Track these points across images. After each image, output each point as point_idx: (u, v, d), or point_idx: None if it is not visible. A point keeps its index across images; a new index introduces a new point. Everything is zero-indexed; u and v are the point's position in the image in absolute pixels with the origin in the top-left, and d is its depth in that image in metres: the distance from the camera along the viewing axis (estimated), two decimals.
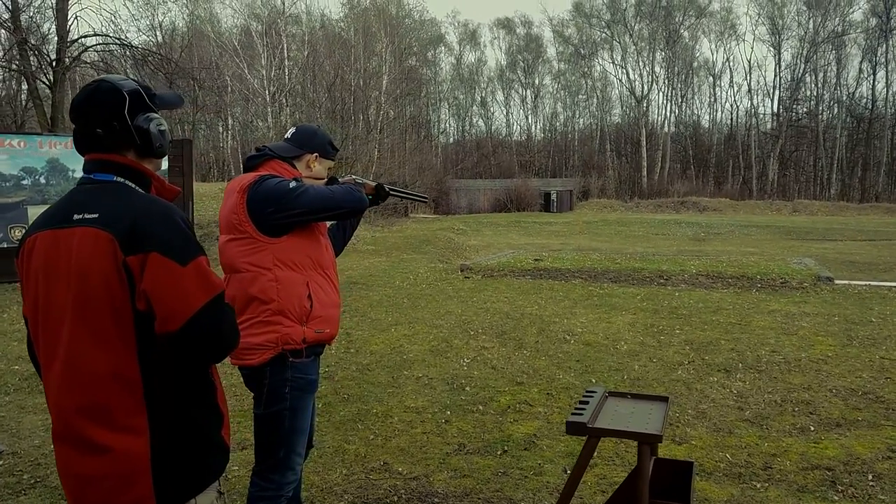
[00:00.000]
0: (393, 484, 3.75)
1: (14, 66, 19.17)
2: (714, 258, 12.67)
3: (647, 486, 2.00)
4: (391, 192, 2.91)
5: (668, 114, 52.60)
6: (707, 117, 54.38)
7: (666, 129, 51.61)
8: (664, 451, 3.93)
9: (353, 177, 2.81)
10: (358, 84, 29.99)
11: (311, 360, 2.52)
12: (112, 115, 1.63)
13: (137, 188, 1.66)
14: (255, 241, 2.40)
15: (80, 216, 1.58)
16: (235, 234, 2.43)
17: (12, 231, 10.88)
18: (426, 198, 3.31)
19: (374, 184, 2.83)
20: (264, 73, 35.05)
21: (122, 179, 1.65)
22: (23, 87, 23.28)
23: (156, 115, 1.71)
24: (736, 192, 43.47)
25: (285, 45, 35.93)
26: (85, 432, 1.56)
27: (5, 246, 10.81)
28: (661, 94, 52.19)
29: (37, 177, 11.16)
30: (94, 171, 1.66)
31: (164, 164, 12.57)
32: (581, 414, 2.22)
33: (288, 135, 2.69)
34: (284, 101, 35.07)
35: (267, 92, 34.91)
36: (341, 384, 5.43)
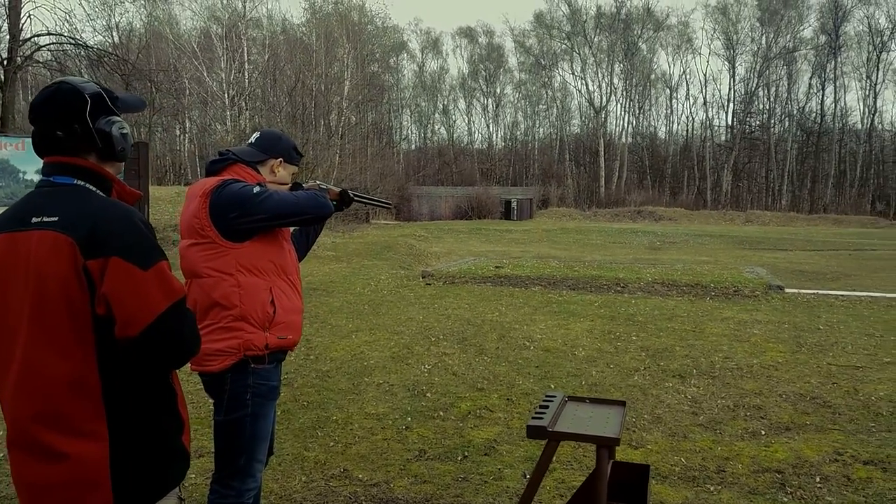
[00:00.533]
0: (353, 491, 3.74)
1: None
2: (669, 267, 12.94)
3: (605, 488, 2.05)
4: (355, 198, 2.90)
5: (625, 125, 53.60)
6: (664, 129, 55.56)
7: (624, 139, 52.54)
8: (621, 455, 4.01)
9: (318, 182, 2.79)
10: (319, 89, 29.83)
11: (273, 366, 2.49)
12: (73, 117, 1.61)
13: (98, 191, 1.63)
14: (217, 245, 2.37)
15: (39, 219, 1.55)
16: (197, 239, 2.39)
17: None
18: (389, 204, 3.32)
19: (338, 189, 2.82)
20: (224, 76, 34.62)
21: (82, 182, 1.62)
22: None
23: (118, 118, 1.69)
24: (691, 202, 44.43)
25: (245, 49, 35.55)
26: (41, 438, 1.53)
27: None
28: (619, 105, 53.14)
29: None
30: (54, 173, 1.64)
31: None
32: (541, 418, 2.26)
33: (252, 139, 2.65)
34: (244, 104, 34.67)
35: (226, 95, 34.48)
36: (301, 391, 5.39)
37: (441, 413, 4.95)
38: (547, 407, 2.38)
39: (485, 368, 6.06)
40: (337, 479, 3.89)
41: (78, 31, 35.18)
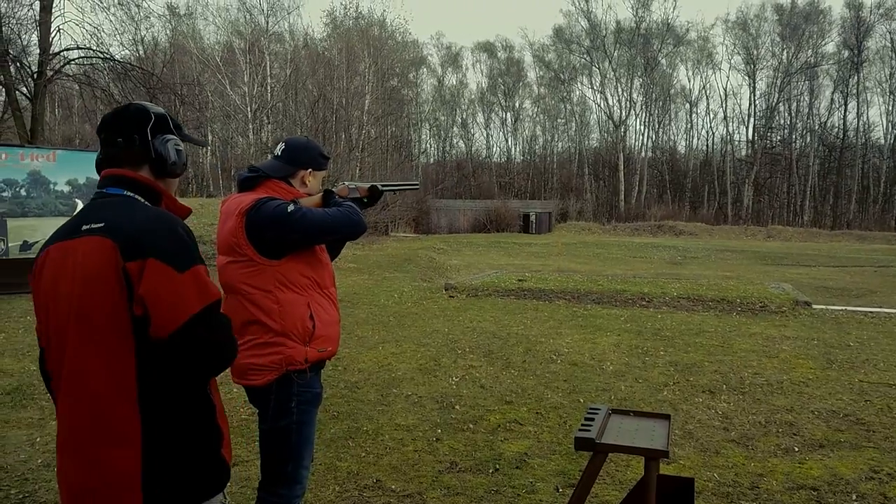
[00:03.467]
0: (387, 501, 3.75)
1: None
2: (694, 281, 12.86)
3: (654, 499, 2.06)
4: (384, 189, 2.93)
5: (645, 139, 53.46)
6: (683, 143, 55.34)
7: (643, 154, 52.39)
8: None
9: (347, 183, 2.83)
10: (340, 103, 30.10)
11: (315, 374, 2.55)
12: (135, 129, 1.71)
13: (146, 202, 1.69)
14: (255, 263, 2.41)
15: (88, 226, 1.62)
16: (235, 257, 2.44)
17: None
18: (417, 184, 3.35)
19: (367, 186, 2.86)
20: (246, 90, 35.07)
21: (131, 194, 1.69)
22: (0, 98, 23.07)
23: (174, 137, 1.78)
24: (711, 216, 44.14)
25: (268, 63, 36.02)
26: (84, 442, 1.58)
27: None
28: (638, 119, 53.06)
29: (17, 189, 11.04)
30: (107, 185, 1.72)
31: None
32: (589, 430, 2.27)
33: (278, 151, 2.65)
34: (266, 118, 35.07)
35: (248, 109, 34.91)
36: (330, 402, 5.42)
37: (471, 426, 4.95)
38: (592, 419, 2.39)
39: (512, 381, 6.05)
40: (370, 489, 3.90)
41: (105, 46, 35.81)
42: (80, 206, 11.75)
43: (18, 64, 17.17)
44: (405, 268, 15.28)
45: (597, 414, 2.45)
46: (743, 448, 4.56)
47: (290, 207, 2.40)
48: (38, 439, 4.60)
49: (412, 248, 19.12)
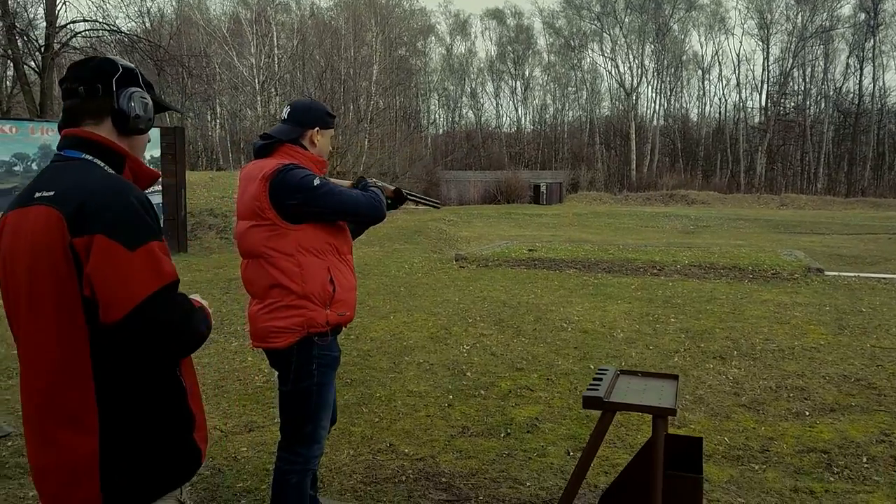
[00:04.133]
0: (400, 464, 3.81)
1: (0, 51, 18.99)
2: (705, 250, 12.82)
3: (661, 458, 2.08)
4: (408, 197, 2.96)
5: (657, 107, 52.86)
6: (696, 111, 54.73)
7: (655, 122, 51.86)
8: None
9: (374, 180, 2.85)
10: (348, 73, 29.91)
11: (333, 338, 2.61)
12: (99, 78, 1.56)
13: (105, 167, 1.55)
14: (277, 227, 2.46)
15: (41, 194, 1.49)
16: (258, 221, 2.48)
17: None
18: (439, 203, 3.33)
19: (392, 188, 2.89)
20: (253, 61, 34.89)
21: (90, 157, 1.55)
22: (8, 72, 23.10)
23: (141, 90, 1.62)
24: (724, 185, 43.79)
25: (275, 34, 35.77)
26: (38, 420, 1.50)
27: None
28: (650, 87, 52.43)
29: (28, 163, 11.08)
30: (66, 147, 1.58)
31: (157, 151, 12.53)
32: (597, 389, 2.29)
33: (284, 115, 2.69)
34: (274, 90, 34.93)
35: (256, 81, 34.76)
36: (344, 369, 5.47)
37: (482, 392, 5.00)
38: (601, 379, 2.41)
39: (523, 349, 6.09)
40: (383, 453, 3.96)
41: (112, 18, 35.65)
42: None
43: (25, 38, 17.15)
44: (415, 239, 15.29)
45: (605, 374, 2.47)
46: (753, 412, 4.58)
47: (317, 181, 2.44)
48: None
49: (422, 220, 19.09)
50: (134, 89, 1.59)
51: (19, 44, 17.03)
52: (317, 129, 2.65)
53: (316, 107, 2.71)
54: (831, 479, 3.63)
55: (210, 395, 4.85)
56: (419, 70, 49.44)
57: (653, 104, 53.06)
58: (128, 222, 1.43)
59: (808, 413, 4.54)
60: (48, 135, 11.34)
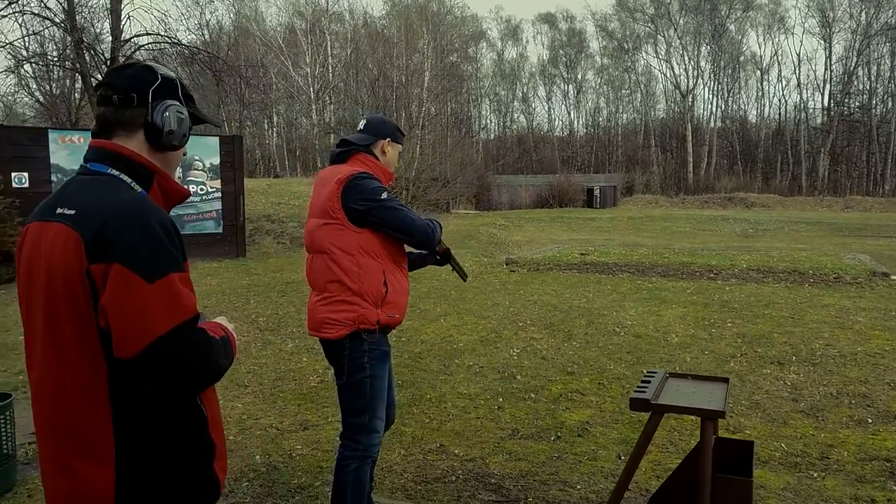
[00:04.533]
0: (450, 465, 3.85)
1: (69, 65, 19.87)
2: (764, 253, 12.49)
3: (709, 460, 2.06)
4: (451, 260, 3.14)
5: (714, 108, 51.68)
6: (755, 112, 53.33)
7: (712, 123, 50.70)
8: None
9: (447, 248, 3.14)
10: (400, 81, 30.19)
11: (382, 335, 2.77)
12: (136, 86, 1.47)
13: (132, 184, 1.46)
14: (344, 227, 2.68)
15: (62, 210, 1.41)
16: (328, 219, 2.71)
17: None
18: (467, 277, 3.46)
19: (446, 247, 3.10)
20: (308, 70, 35.56)
21: (116, 172, 1.46)
22: (77, 85, 24.13)
23: (179, 104, 1.53)
24: (785, 187, 42.49)
25: (329, 43, 36.40)
26: (55, 449, 1.45)
27: None
28: (706, 88, 51.30)
29: None
30: (92, 160, 1.49)
31: (216, 159, 12.90)
32: (644, 391, 2.28)
33: (361, 126, 2.94)
34: (328, 98, 35.53)
35: (311, 89, 35.42)
36: (395, 371, 5.51)
37: (532, 395, 5.00)
38: (649, 382, 2.40)
39: (574, 353, 6.05)
40: (433, 453, 4.01)
41: (173, 31, 36.87)
42: None
43: (92, 51, 17.88)
44: (466, 244, 15.33)
45: (654, 377, 2.46)
46: (812, 419, 4.46)
47: (384, 195, 2.68)
48: None
49: (473, 225, 19.14)
50: (171, 102, 1.50)
51: (87, 58, 17.77)
52: (388, 139, 2.89)
53: (389, 122, 2.98)
54: (895, 487, 3.52)
55: (267, 395, 4.99)
56: (470, 76, 49.54)
57: (710, 105, 51.92)
58: (148, 252, 1.34)
59: (870, 420, 4.40)
60: None
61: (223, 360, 1.48)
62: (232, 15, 42.53)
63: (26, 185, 10.72)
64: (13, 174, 10.57)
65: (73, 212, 1.39)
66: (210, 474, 1.53)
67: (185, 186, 1.66)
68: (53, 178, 11.07)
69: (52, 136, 11.32)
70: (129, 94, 1.46)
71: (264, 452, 4.01)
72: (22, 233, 1.52)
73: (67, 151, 11.27)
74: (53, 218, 1.41)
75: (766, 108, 52.74)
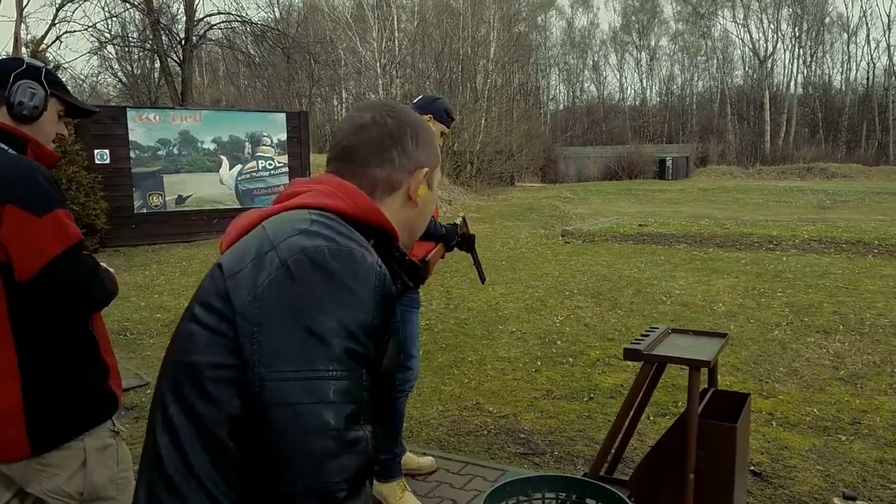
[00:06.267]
0: (483, 420, 4.07)
1: (148, 46, 20.81)
2: (830, 223, 12.10)
3: (696, 408, 2.20)
4: (472, 249, 3.20)
5: (794, 74, 49.39)
6: (839, 77, 50.62)
7: (792, 90, 48.53)
8: (751, 405, 4.02)
9: (463, 216, 3.27)
10: (466, 53, 30.15)
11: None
12: (2, 71, 1.75)
13: (8, 149, 1.71)
14: None
15: None
16: None
17: (150, 198, 12.02)
18: (485, 280, 3.47)
19: (472, 233, 3.18)
20: (375, 45, 35.90)
21: None
22: (156, 65, 25.23)
23: (36, 84, 1.78)
24: (870, 157, 40.37)
25: (395, 17, 36.58)
26: None
27: (145, 211, 11.97)
28: (787, 53, 49.16)
29: (170, 148, 12.22)
30: None
31: (283, 135, 13.38)
32: (639, 343, 2.43)
33: (415, 100, 3.15)
34: (395, 72, 35.81)
35: (378, 64, 35.78)
36: (440, 335, 5.81)
37: (570, 359, 5.16)
38: (647, 335, 2.54)
39: (617, 321, 6.16)
40: (469, 410, 4.24)
41: (244, 9, 37.73)
42: (226, 162, 12.92)
43: (168, 32, 18.65)
44: (527, 216, 15.42)
45: (654, 331, 2.60)
46: (850, 386, 4.47)
47: None
48: None
49: (537, 198, 19.16)
50: (24, 80, 1.75)
51: (163, 38, 18.58)
52: (430, 116, 3.03)
53: (439, 102, 3.12)
54: None
55: None
56: (539, 45, 48.88)
57: (790, 71, 49.66)
58: (35, 193, 1.61)
59: None
60: (186, 122, 12.44)
61: (110, 286, 1.76)
62: None
63: (107, 161, 11.44)
64: (96, 151, 11.29)
65: None
66: (107, 388, 1.79)
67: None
68: (132, 154, 11.77)
69: (130, 114, 12.00)
70: None
71: None
72: None
73: (144, 129, 11.93)
74: None
75: (853, 73, 50.19)
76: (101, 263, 1.88)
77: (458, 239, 3.04)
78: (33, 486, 1.70)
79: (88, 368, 1.75)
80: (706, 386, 2.61)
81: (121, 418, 4.20)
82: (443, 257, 3.09)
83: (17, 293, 1.62)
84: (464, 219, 3.19)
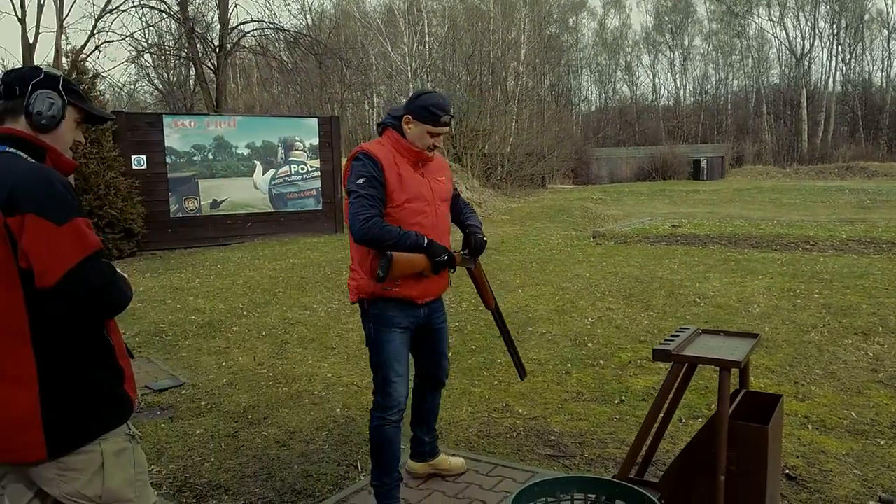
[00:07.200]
0: (513, 422, 4.07)
1: (183, 54, 21.20)
2: (869, 223, 11.82)
3: (726, 409, 2.17)
4: (465, 263, 2.95)
5: (833, 71, 48.31)
6: (880, 74, 49.37)
7: (831, 88, 47.46)
8: (786, 408, 3.95)
9: (462, 253, 2.93)
10: (496, 55, 30.13)
11: (392, 304, 2.81)
12: (21, 81, 1.78)
13: (28, 158, 1.74)
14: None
15: None
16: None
17: (186, 202, 12.24)
18: (494, 313, 3.34)
19: (463, 258, 2.91)
20: (406, 49, 36.06)
21: (12, 150, 1.74)
22: (191, 72, 25.69)
23: (55, 94, 1.80)
24: None
25: (426, 21, 36.70)
26: None
27: (181, 215, 12.19)
28: (825, 50, 48.10)
29: (205, 153, 12.44)
30: None
31: (315, 140, 13.51)
32: (669, 343, 2.41)
33: None
34: (425, 76, 35.93)
35: (409, 68, 35.94)
36: (470, 337, 5.82)
37: (601, 361, 5.12)
38: (677, 335, 2.52)
39: (650, 323, 6.10)
40: (499, 411, 4.24)
41: (276, 17, 38.26)
42: (259, 167, 13.09)
43: (202, 40, 18.97)
44: (558, 218, 15.35)
45: (685, 332, 2.57)
46: (890, 389, 4.37)
47: (354, 184, 2.67)
48: (223, 363, 5.40)
49: (568, 199, 19.05)
50: (43, 90, 1.78)
51: (198, 46, 18.92)
52: (409, 116, 2.75)
53: (422, 98, 2.76)
54: None
55: (351, 356, 5.39)
56: (570, 47, 48.59)
57: (827, 69, 48.56)
58: (55, 202, 1.64)
59: None
60: (221, 127, 12.65)
61: (126, 290, 1.78)
62: None
63: (144, 166, 11.70)
64: (133, 156, 11.55)
65: None
66: (122, 393, 1.82)
67: (77, 161, 1.93)
68: (168, 159, 12.00)
69: (167, 120, 12.25)
70: (13, 87, 1.77)
71: (344, 406, 4.37)
72: None
73: (179, 135, 12.16)
74: None
75: (894, 70, 48.77)
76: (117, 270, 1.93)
77: (444, 258, 2.75)
78: (52, 489, 1.74)
79: (104, 373, 1.78)
80: (738, 387, 2.58)
81: (155, 417, 4.30)
82: (424, 274, 2.77)
83: (37, 299, 1.65)
84: (469, 254, 2.94)
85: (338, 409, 4.33)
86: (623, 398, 4.41)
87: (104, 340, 1.79)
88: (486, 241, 3.02)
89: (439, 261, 2.73)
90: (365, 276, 2.80)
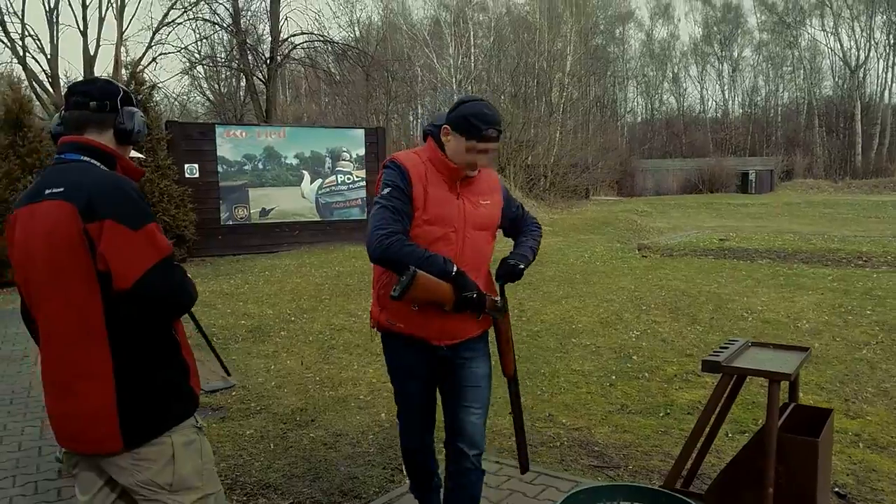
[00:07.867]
0: (556, 432, 4.09)
1: (235, 66, 21.75)
2: None
3: (775, 421, 2.17)
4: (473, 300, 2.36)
5: (889, 83, 46.91)
6: None
7: (887, 100, 46.09)
8: (837, 426, 3.88)
9: (495, 299, 2.49)
10: (541, 66, 30.12)
11: (402, 343, 2.47)
12: (108, 96, 1.90)
13: (101, 167, 1.85)
14: None
15: (50, 191, 1.80)
16: None
17: (236, 210, 12.55)
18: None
19: (494, 307, 2.46)
20: (451, 61, 36.30)
21: (87, 159, 1.85)
22: (241, 83, 26.30)
23: (136, 109, 1.96)
24: None
25: (471, 33, 36.90)
26: (59, 378, 1.84)
27: (231, 223, 12.50)
28: (881, 61, 46.68)
29: (256, 162, 12.74)
30: (66, 151, 1.88)
31: (362, 150, 13.72)
32: (718, 355, 2.41)
33: None
34: (470, 88, 36.09)
35: (454, 80, 36.15)
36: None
37: (646, 374, 5.10)
38: (727, 347, 2.51)
39: (696, 337, 6.04)
40: (542, 421, 4.26)
41: (325, 29, 38.98)
42: (307, 177, 13.33)
43: (254, 52, 19.44)
44: (602, 230, 15.24)
45: (734, 344, 2.57)
46: None
47: (384, 191, 2.33)
48: (272, 367, 5.54)
49: (612, 211, 18.89)
50: (134, 109, 1.94)
51: (249, 58, 19.40)
52: (447, 127, 2.36)
53: (463, 107, 2.35)
54: None
55: None
56: (616, 58, 48.27)
57: (883, 80, 47.17)
58: (130, 208, 1.75)
59: None
60: (271, 137, 12.95)
61: (193, 292, 1.89)
62: (380, 11, 44.19)
63: (197, 175, 12.04)
64: (186, 165, 11.91)
65: (61, 189, 1.78)
66: (189, 388, 1.92)
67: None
68: (219, 168, 12.33)
69: (219, 130, 12.59)
70: (104, 102, 1.88)
71: (388, 411, 4.44)
72: (11, 219, 1.90)
73: (231, 144, 12.49)
74: (42, 198, 1.80)
75: None
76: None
77: (473, 295, 2.30)
78: (125, 478, 1.83)
79: (173, 369, 1.88)
80: (787, 401, 2.57)
81: (207, 417, 4.43)
82: (445, 308, 2.31)
83: (113, 300, 1.75)
84: (502, 303, 2.50)
85: (382, 414, 4.40)
86: (668, 411, 4.38)
87: (172, 338, 1.89)
88: (521, 271, 2.48)
89: (467, 296, 2.27)
90: (376, 303, 2.47)
